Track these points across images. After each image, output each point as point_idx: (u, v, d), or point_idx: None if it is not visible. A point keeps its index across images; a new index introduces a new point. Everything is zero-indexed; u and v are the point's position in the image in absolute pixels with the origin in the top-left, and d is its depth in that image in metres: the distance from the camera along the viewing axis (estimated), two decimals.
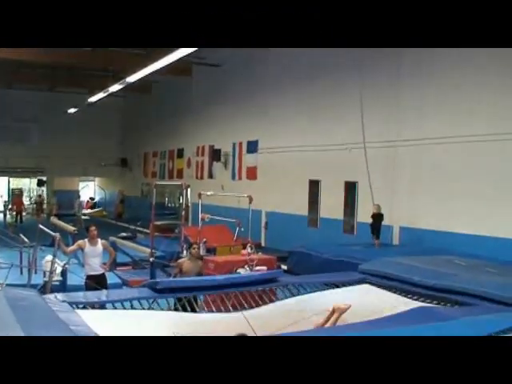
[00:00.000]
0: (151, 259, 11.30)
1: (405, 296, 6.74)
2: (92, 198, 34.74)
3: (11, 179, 33.71)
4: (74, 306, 5.94)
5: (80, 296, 6.69)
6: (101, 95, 22.65)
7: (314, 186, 16.25)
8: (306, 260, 12.42)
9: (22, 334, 4.00)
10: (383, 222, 12.75)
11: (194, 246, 8.83)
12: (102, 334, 5.02)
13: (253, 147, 19.26)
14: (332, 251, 12.09)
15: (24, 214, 27.24)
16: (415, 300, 6.60)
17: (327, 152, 15.31)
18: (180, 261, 8.94)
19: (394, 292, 7.00)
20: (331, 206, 15.46)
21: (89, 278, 8.87)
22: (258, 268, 10.01)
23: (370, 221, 12.80)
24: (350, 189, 14.83)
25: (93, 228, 9.14)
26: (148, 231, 15.33)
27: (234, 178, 20.39)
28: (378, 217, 12.64)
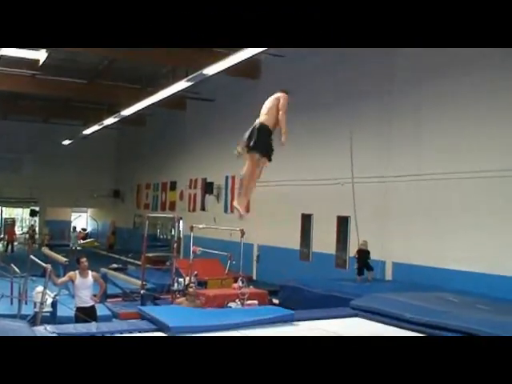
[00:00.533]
0: (142, 291, 11.24)
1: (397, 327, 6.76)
2: (84, 229, 34.60)
3: (4, 209, 33.61)
4: None
5: (70, 328, 6.65)
6: (95, 128, 22.83)
7: (306, 219, 16.29)
8: (297, 294, 12.36)
9: None
10: (374, 257, 12.76)
11: (191, 284, 8.73)
12: None
13: None
14: (323, 286, 12.05)
15: (16, 243, 27.10)
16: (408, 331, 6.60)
17: (319, 186, 15.40)
18: (178, 301, 8.83)
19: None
20: (323, 240, 15.47)
21: (79, 309, 8.81)
22: (249, 302, 9.99)
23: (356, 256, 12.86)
24: (343, 223, 14.87)
25: (83, 260, 9.11)
26: (139, 263, 15.27)
27: (226, 210, 20.39)
28: (363, 253, 12.67)
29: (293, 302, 12.17)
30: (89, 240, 31.71)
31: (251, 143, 5.75)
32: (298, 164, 16.53)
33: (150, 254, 15.36)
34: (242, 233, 12.40)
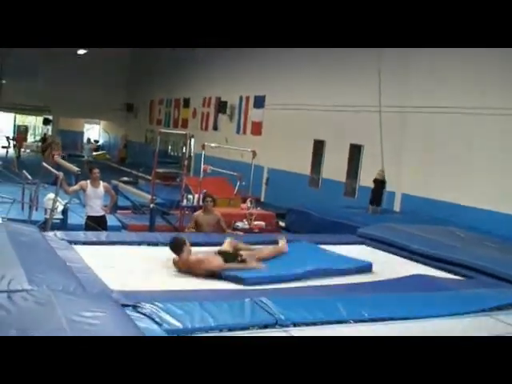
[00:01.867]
0: (151, 205, 11.32)
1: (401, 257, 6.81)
2: (96, 141, 34.65)
3: (17, 116, 33.61)
4: (73, 243, 6.01)
5: (79, 235, 6.75)
6: None
7: (319, 146, 16.18)
8: (304, 219, 12.47)
9: (22, 270, 4.03)
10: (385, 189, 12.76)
11: (208, 199, 8.63)
12: (96, 267, 5.09)
13: (260, 102, 19.10)
14: (331, 212, 12.13)
15: (23, 149, 27.31)
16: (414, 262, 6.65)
17: (335, 113, 15.18)
18: (195, 214, 8.79)
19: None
20: (334, 168, 15.43)
21: (89, 218, 8.91)
22: (256, 223, 10.07)
23: (372, 186, 12.81)
24: (355, 152, 14.78)
25: (96, 170, 9.11)
26: (150, 178, 15.31)
27: (238, 131, 20.29)
28: (379, 183, 12.62)
29: (299, 226, 12.31)
30: (100, 152, 31.80)
31: None
32: (316, 89, 16.25)
33: (161, 170, 15.37)
34: (254, 154, 12.34)
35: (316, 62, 16.11)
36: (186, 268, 5.53)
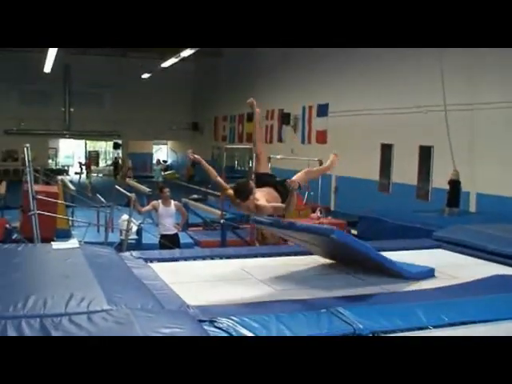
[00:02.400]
0: (222, 221, 11.44)
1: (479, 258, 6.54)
2: (165, 161, 35.47)
3: (88, 142, 34.91)
4: (149, 261, 6.12)
5: (154, 253, 6.88)
6: (173, 60, 22.89)
7: (386, 149, 15.91)
8: (376, 225, 12.22)
9: (100, 291, 4.12)
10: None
11: (167, 189, 9.19)
12: (173, 284, 5.17)
13: (323, 110, 19.02)
14: (404, 217, 11.84)
15: (95, 174, 28.37)
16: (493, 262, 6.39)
17: (401, 115, 14.90)
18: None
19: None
20: (404, 171, 15.11)
21: (162, 237, 9.10)
22: None
23: (447, 187, 12.42)
24: (425, 153, 14.43)
25: (166, 189, 9.34)
26: (218, 194, 15.50)
27: (303, 141, 20.27)
28: (455, 184, 12.24)
29: (372, 233, 12.05)
30: (169, 172, 32.50)
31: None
32: (379, 92, 16.02)
33: (229, 185, 15.54)
34: (320, 163, 12.23)
35: (377, 64, 15.91)
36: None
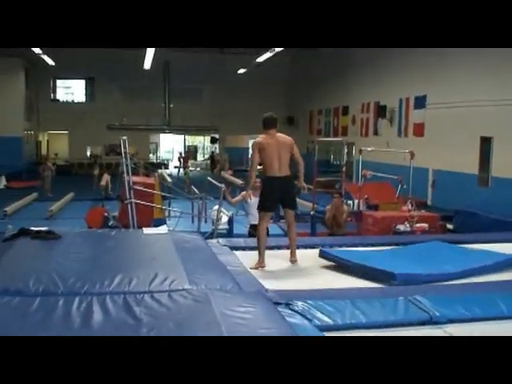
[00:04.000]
0: (312, 212, 11.49)
1: None
2: None
3: (187, 137, 36.01)
4: (234, 249, 6.31)
5: (241, 241, 7.07)
6: (268, 55, 23.13)
7: (486, 142, 15.25)
8: (472, 220, 11.84)
9: (183, 272, 4.32)
10: None
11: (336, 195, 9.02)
12: (255, 271, 5.30)
13: (420, 103, 18.52)
14: (503, 211, 11.36)
15: (192, 168, 29.18)
16: None
17: (501, 107, 14.23)
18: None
19: None
20: (506, 165, 14.42)
21: (252, 226, 9.26)
22: (418, 225, 9.74)
23: None
24: None
25: (257, 180, 9.44)
26: (311, 186, 15.56)
27: (400, 134, 19.83)
28: None
29: (468, 227, 11.66)
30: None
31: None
32: (478, 84, 15.38)
33: (322, 179, 15.52)
34: (412, 155, 12.01)
35: (478, 55, 15.26)
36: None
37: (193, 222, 12.01)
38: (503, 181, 14.49)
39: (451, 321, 3.86)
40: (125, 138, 8.46)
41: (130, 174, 8.78)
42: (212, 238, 8.71)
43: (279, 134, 6.16)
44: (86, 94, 32.70)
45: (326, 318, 3.84)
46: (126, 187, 8.23)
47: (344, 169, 13.71)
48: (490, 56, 14.67)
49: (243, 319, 3.36)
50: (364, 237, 7.91)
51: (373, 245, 6.82)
